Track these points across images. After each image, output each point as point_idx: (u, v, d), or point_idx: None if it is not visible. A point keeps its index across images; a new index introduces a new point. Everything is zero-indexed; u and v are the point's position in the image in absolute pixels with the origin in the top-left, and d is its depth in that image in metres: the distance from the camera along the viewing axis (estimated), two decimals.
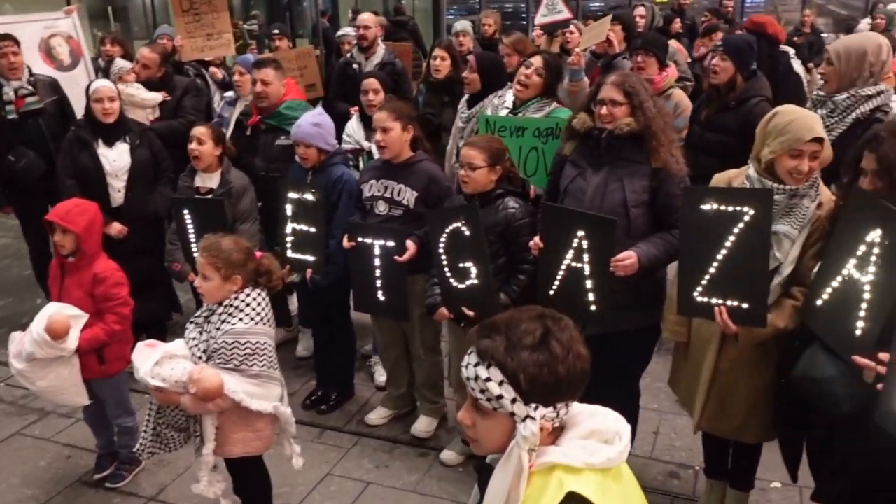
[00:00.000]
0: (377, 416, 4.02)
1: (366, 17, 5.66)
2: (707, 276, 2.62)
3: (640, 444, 3.71)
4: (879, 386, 2.04)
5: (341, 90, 5.56)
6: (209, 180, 4.03)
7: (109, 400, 3.49)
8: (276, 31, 6.65)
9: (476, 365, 1.40)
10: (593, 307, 2.98)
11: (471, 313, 3.23)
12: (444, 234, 3.20)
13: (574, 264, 2.97)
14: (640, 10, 6.16)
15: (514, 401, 1.37)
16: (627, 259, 2.89)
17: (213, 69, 6.11)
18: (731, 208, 2.50)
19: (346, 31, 7.21)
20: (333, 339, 4.08)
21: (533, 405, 1.37)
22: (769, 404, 2.77)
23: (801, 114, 2.61)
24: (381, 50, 5.62)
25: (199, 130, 3.96)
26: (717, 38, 6.43)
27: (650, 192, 2.99)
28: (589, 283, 2.96)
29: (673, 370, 3.22)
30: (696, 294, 2.67)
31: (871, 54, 3.32)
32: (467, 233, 3.12)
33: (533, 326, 1.41)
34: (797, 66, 5.11)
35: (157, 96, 4.84)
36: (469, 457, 3.64)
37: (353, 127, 4.46)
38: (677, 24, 8.41)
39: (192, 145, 3.94)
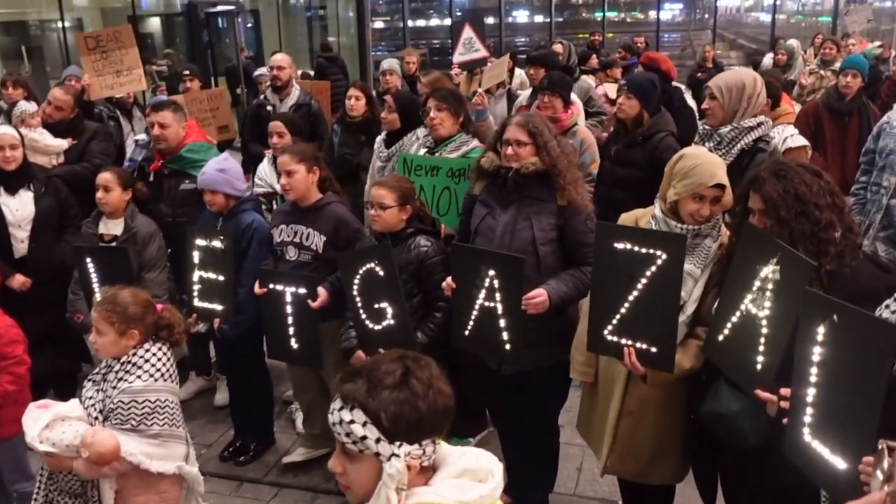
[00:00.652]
0: (298, 454, 3.90)
1: (279, 58, 5.61)
2: (618, 316, 2.61)
3: (564, 481, 3.69)
4: (785, 420, 2.06)
5: (256, 132, 5.47)
6: (114, 227, 3.88)
7: (6, 465, 3.27)
8: (187, 73, 6.53)
9: (340, 409, 1.43)
10: (508, 346, 2.97)
11: None
12: (358, 276, 3.15)
13: (486, 304, 2.96)
14: (558, 48, 6.30)
15: (378, 440, 1.41)
16: (538, 297, 2.90)
17: (123, 97, 5.97)
18: (643, 250, 2.49)
19: (262, 71, 7.15)
20: (249, 389, 3.96)
21: (397, 443, 1.41)
22: (676, 445, 2.78)
23: (706, 159, 2.66)
24: (295, 91, 5.57)
25: (105, 177, 3.82)
26: (613, 74, 6.69)
27: (558, 230, 3.02)
28: (502, 322, 2.95)
29: (580, 412, 3.19)
30: (606, 332, 2.66)
31: (748, 87, 3.47)
32: (381, 273, 3.08)
33: (393, 367, 1.45)
34: (690, 100, 5.32)
35: (63, 143, 4.66)
36: None
37: (265, 170, 4.39)
38: (594, 61, 8.66)
39: (99, 193, 3.80)
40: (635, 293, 2.54)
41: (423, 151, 3.88)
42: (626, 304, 2.58)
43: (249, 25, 15.28)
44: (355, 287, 3.17)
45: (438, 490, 1.43)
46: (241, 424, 4.08)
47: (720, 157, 3.43)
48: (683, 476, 2.89)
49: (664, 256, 2.45)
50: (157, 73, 9.31)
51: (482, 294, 2.95)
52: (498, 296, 2.92)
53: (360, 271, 3.13)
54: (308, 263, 3.48)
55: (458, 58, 6.46)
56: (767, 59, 9.15)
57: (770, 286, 2.21)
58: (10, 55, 12.12)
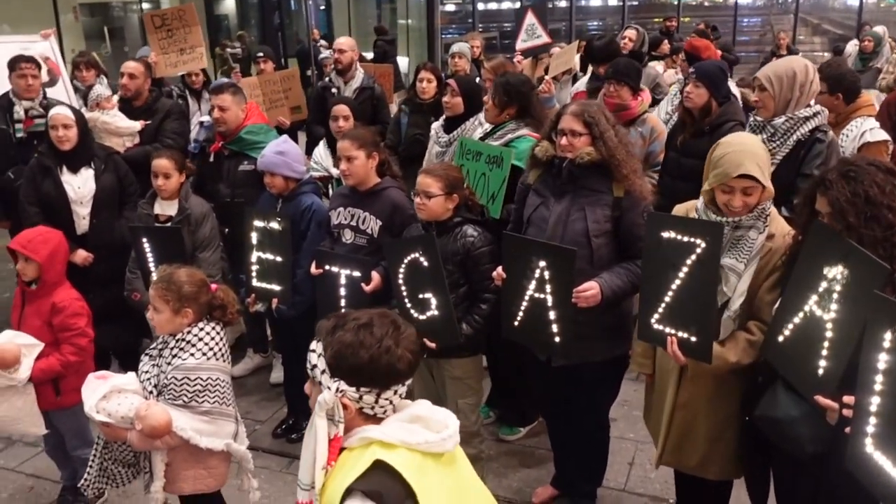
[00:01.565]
0: None
1: (342, 41, 5.63)
2: (663, 304, 2.58)
3: (615, 476, 3.62)
4: (847, 429, 1.95)
5: (320, 114, 5.49)
6: (168, 208, 3.96)
7: (67, 432, 3.42)
8: (261, 54, 6.63)
9: (315, 341, 1.63)
10: (557, 338, 2.92)
11: (432, 344, 3.15)
12: (403, 266, 3.13)
13: (536, 295, 2.91)
14: (630, 33, 6.13)
15: (322, 372, 1.59)
16: (589, 290, 2.84)
17: (193, 77, 6.12)
18: (685, 238, 2.46)
19: (327, 53, 7.21)
20: (303, 368, 3.99)
21: (335, 379, 1.57)
22: (731, 440, 2.69)
23: (737, 147, 2.54)
24: (359, 74, 5.58)
25: (163, 164, 3.87)
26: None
27: (613, 222, 2.93)
28: (552, 315, 2.90)
29: (645, 403, 3.14)
30: (653, 321, 2.63)
31: (799, 75, 3.31)
32: (425, 263, 3.06)
33: (361, 316, 1.61)
34: (734, 88, 5.08)
35: (135, 125, 4.79)
36: None
37: (321, 154, 4.42)
38: (665, 47, 8.40)
39: (159, 181, 3.88)
40: (678, 282, 2.51)
41: (478, 136, 3.83)
42: (670, 293, 2.55)
43: (322, 8, 15.44)
44: (400, 276, 3.16)
45: (385, 430, 1.56)
46: (295, 403, 4.15)
47: (773, 147, 3.31)
48: (741, 474, 2.79)
49: (702, 245, 2.41)
50: (231, 56, 9.48)
51: (532, 285, 2.90)
52: (548, 287, 2.87)
53: (406, 260, 3.11)
54: (363, 247, 3.50)
55: (520, 44, 6.38)
56: (851, 46, 8.71)
57: (838, 288, 2.10)
58: (93, 36, 12.60)
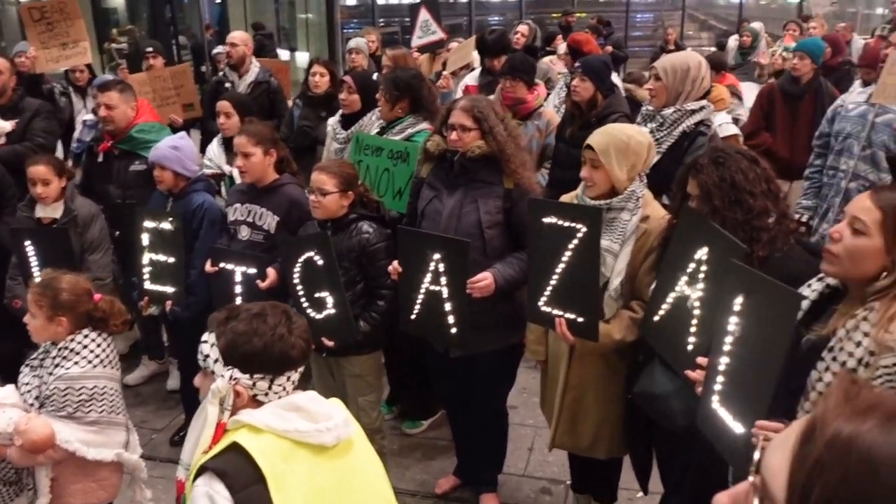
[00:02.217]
0: None
1: (234, 35, 5.50)
2: (550, 287, 2.69)
3: (514, 462, 3.73)
4: (699, 390, 2.09)
5: (214, 110, 5.37)
6: (52, 211, 3.75)
7: None
8: (150, 49, 6.39)
9: (207, 332, 1.68)
10: (453, 329, 2.98)
11: (330, 343, 3.16)
12: (298, 265, 3.11)
13: (432, 287, 2.96)
14: (522, 28, 6.26)
15: (216, 361, 1.65)
16: (483, 280, 2.91)
17: (77, 73, 5.84)
18: (566, 224, 2.58)
19: (220, 48, 7.02)
20: (196, 372, 3.90)
21: (229, 367, 1.63)
22: (619, 418, 2.82)
23: (602, 129, 2.76)
24: (254, 68, 5.47)
25: (40, 171, 3.65)
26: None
27: (504, 213, 3.01)
28: (447, 306, 2.95)
29: (541, 389, 3.25)
30: (540, 303, 2.73)
31: (693, 70, 3.48)
32: (320, 262, 3.05)
33: (253, 307, 1.67)
34: (617, 80, 5.33)
35: (4, 125, 4.52)
36: None
37: (214, 151, 4.33)
38: (559, 42, 8.62)
39: (38, 189, 3.66)
40: (562, 265, 2.62)
41: (375, 131, 3.84)
42: (556, 276, 2.66)
43: (218, 1, 14.99)
44: (296, 275, 3.14)
45: (256, 414, 1.60)
46: (192, 409, 4.03)
47: (659, 137, 3.48)
48: (628, 451, 2.92)
49: (583, 229, 2.53)
50: (117, 51, 9.08)
51: (428, 278, 2.95)
52: (443, 280, 2.93)
53: (300, 259, 3.09)
54: (260, 243, 3.45)
55: (415, 41, 6.42)
56: (732, 41, 9.15)
57: (703, 268, 2.24)
58: None
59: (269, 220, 3.42)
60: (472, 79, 5.63)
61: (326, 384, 3.42)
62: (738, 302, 1.92)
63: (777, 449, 0.71)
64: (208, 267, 3.38)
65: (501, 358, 3.20)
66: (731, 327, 1.92)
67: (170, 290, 3.57)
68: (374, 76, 6.00)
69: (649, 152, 2.73)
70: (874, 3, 16.49)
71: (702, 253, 2.25)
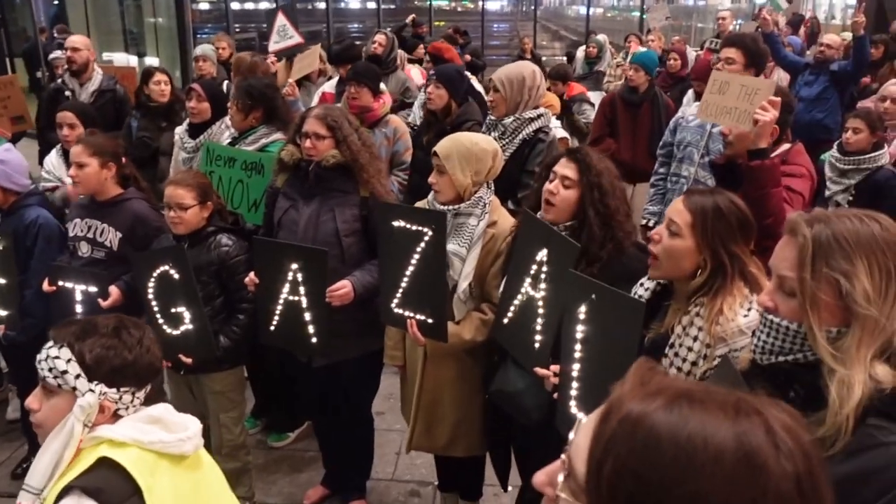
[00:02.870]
0: None
1: (75, 39, 5.18)
2: (401, 289, 2.76)
3: (384, 466, 3.75)
4: (555, 395, 2.21)
5: (53, 119, 5.02)
6: None
7: None
8: None
9: (49, 347, 1.63)
10: (314, 339, 2.97)
11: (188, 360, 3.06)
12: (153, 279, 2.99)
13: (291, 298, 2.95)
14: (380, 38, 6.28)
15: (77, 376, 1.60)
16: (342, 289, 2.92)
17: None
18: (414, 227, 2.65)
19: (58, 53, 6.59)
20: None
21: (95, 382, 1.61)
22: (476, 418, 2.92)
23: (450, 137, 2.87)
24: (97, 76, 5.18)
25: None
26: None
27: (362, 221, 3.04)
28: (307, 316, 2.95)
29: (401, 394, 3.30)
30: (393, 305, 2.79)
31: (528, 79, 3.68)
32: (176, 276, 2.95)
33: (108, 321, 1.67)
34: (478, 85, 5.56)
35: None
36: None
37: (53, 162, 4.06)
38: (420, 51, 8.75)
39: None
40: (411, 268, 2.69)
41: (226, 141, 3.75)
42: (406, 278, 2.72)
43: (56, 2, 14.03)
44: (150, 290, 3.02)
45: (116, 428, 1.60)
46: (34, 438, 3.75)
47: (503, 145, 3.64)
48: (487, 448, 3.03)
49: (429, 232, 2.60)
50: None
51: (286, 288, 2.94)
52: (302, 289, 2.92)
53: (155, 274, 2.98)
54: (102, 261, 3.26)
55: (273, 46, 6.31)
56: (580, 52, 9.68)
57: (545, 269, 2.37)
58: None
59: (111, 237, 3.25)
60: (329, 87, 5.61)
61: (185, 402, 3.29)
62: (581, 310, 2.05)
63: (583, 429, 0.79)
64: (46, 286, 3.17)
65: (364, 364, 3.22)
66: (578, 335, 2.05)
67: (2, 312, 3.33)
68: (225, 84, 5.88)
69: (495, 159, 2.84)
70: (707, 17, 17.90)
71: (542, 254, 2.39)
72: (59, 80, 5.27)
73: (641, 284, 2.16)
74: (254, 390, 4.12)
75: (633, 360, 1.93)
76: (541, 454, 2.56)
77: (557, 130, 4.66)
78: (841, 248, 1.35)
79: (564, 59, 11.77)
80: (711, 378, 1.77)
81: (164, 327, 3.05)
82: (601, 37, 9.33)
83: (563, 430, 2.15)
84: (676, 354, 1.97)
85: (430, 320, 2.72)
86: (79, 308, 3.17)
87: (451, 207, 2.77)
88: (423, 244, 2.64)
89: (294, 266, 2.89)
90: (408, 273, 2.72)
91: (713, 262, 1.96)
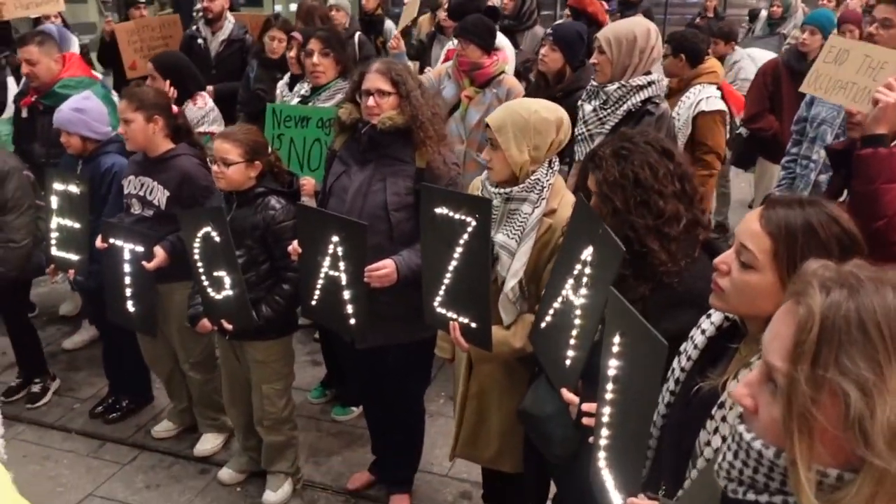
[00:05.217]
0: (163, 428, 3.68)
1: None
2: (443, 286, 2.39)
3: (439, 461, 3.44)
4: (591, 439, 1.76)
5: None
6: None
7: None
8: (142, 1, 6.15)
9: None
10: (353, 320, 2.69)
11: (229, 326, 2.91)
12: (197, 239, 2.85)
13: (331, 272, 2.68)
14: None
15: None
16: (383, 269, 2.60)
17: (50, 21, 5.61)
18: (457, 216, 2.25)
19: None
20: (118, 342, 3.69)
21: None
22: (524, 432, 2.51)
23: (506, 104, 2.48)
24: (228, 24, 5.18)
25: None
26: None
27: (415, 195, 2.68)
28: (346, 294, 2.67)
29: (453, 390, 2.96)
30: (436, 303, 2.44)
31: (640, 39, 3.07)
32: (217, 238, 2.79)
33: None
34: None
35: None
36: (250, 474, 3.35)
37: None
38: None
39: None
40: (454, 262, 2.31)
41: (296, 100, 3.52)
42: (449, 274, 2.35)
43: None
44: (196, 251, 2.88)
45: None
46: (115, 380, 3.86)
47: (604, 116, 3.12)
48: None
49: (473, 222, 2.20)
50: (102, 4, 8.86)
51: (327, 262, 2.67)
52: (342, 265, 2.64)
53: (199, 234, 2.84)
54: (151, 220, 3.16)
55: None
56: (764, 11, 8.53)
57: (588, 271, 1.92)
58: None
59: (160, 195, 3.14)
60: (454, 43, 5.24)
61: (231, 367, 3.18)
62: (615, 342, 1.58)
63: None
64: (99, 242, 3.13)
65: (411, 353, 2.89)
66: (611, 371, 1.58)
67: (74, 257, 3.36)
68: (357, 35, 5.69)
69: (559, 131, 2.36)
70: None
71: (587, 253, 1.92)
72: (194, 28, 5.32)
73: (709, 316, 1.62)
74: (325, 359, 3.96)
75: (650, 417, 1.50)
76: (564, 490, 2.16)
77: (715, 101, 4.00)
78: (867, 339, 0.83)
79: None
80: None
81: (209, 290, 2.92)
82: None
83: (594, 484, 1.71)
84: (724, 419, 1.43)
85: (473, 324, 2.34)
86: (126, 267, 3.13)
87: (502, 191, 2.34)
88: (466, 235, 2.24)
89: (335, 239, 2.61)
90: (451, 268, 2.33)
91: None
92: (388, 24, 6.83)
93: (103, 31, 6.14)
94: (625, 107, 3.11)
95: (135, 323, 3.25)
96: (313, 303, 2.78)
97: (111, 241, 3.09)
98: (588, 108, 3.25)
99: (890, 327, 0.83)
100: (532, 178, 2.31)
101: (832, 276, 0.90)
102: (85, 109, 3.35)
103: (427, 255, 2.43)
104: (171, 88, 3.73)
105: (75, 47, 4.84)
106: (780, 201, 1.46)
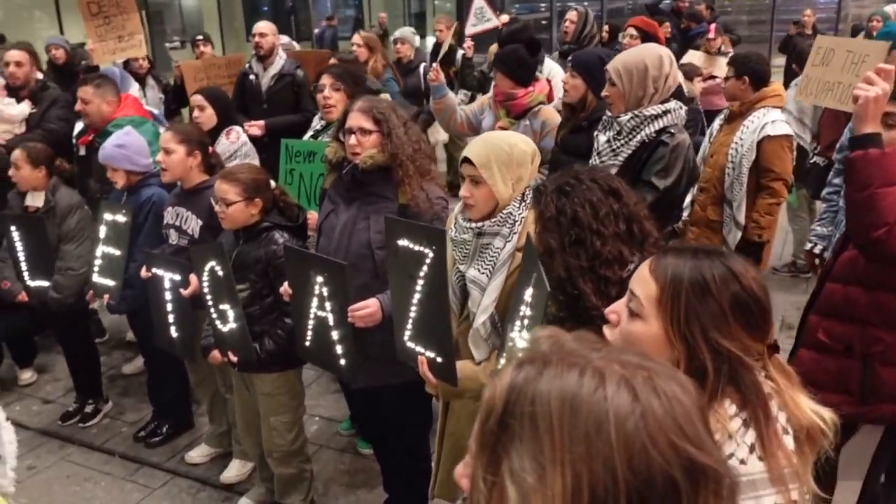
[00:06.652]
0: (198, 453, 3.80)
1: (261, 25, 5.40)
2: (410, 320, 2.35)
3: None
4: None
5: (240, 102, 5.35)
6: (36, 199, 3.93)
7: None
8: (200, 37, 6.51)
9: None
10: (342, 360, 2.69)
11: (234, 359, 2.98)
12: (205, 273, 2.95)
13: (319, 313, 2.70)
14: (571, 15, 5.69)
15: None
16: (366, 308, 2.58)
17: (139, 63, 6.06)
18: (416, 247, 2.22)
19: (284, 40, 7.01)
20: (161, 367, 3.86)
21: None
22: None
23: (482, 137, 2.42)
24: (279, 60, 5.36)
25: (15, 155, 3.84)
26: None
27: None
28: (334, 335, 2.67)
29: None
30: (406, 338, 2.40)
31: (652, 68, 2.88)
32: (220, 272, 2.87)
33: None
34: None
35: (25, 109, 4.72)
36: None
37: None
38: (666, 28, 7.83)
39: (11, 170, 3.85)
40: (417, 295, 2.27)
41: (308, 135, 3.58)
42: (413, 308, 2.31)
43: None
44: (205, 284, 2.98)
45: None
46: (158, 405, 4.03)
47: (617, 147, 2.98)
48: None
49: (430, 254, 2.17)
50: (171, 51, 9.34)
51: (314, 302, 2.69)
52: (328, 305, 2.65)
53: (206, 268, 2.93)
54: (186, 248, 3.30)
55: (470, 29, 6.03)
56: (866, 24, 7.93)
57: (528, 312, 1.86)
58: None
59: (194, 225, 3.28)
60: None
61: (243, 398, 3.25)
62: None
63: None
64: (143, 272, 3.30)
65: (405, 394, 2.83)
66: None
67: (111, 283, 3.57)
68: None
69: (534, 161, 2.30)
70: None
71: (528, 294, 1.86)
72: (247, 65, 5.56)
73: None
74: (343, 391, 3.97)
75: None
76: None
77: (779, 125, 3.72)
78: (535, 434, 0.73)
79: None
80: None
81: (217, 322, 3.01)
82: (890, 7, 7.49)
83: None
84: None
85: (438, 358, 2.29)
86: (167, 295, 3.26)
87: (473, 225, 2.28)
88: (425, 268, 2.21)
89: (319, 279, 2.62)
90: (414, 301, 2.30)
91: (689, 360, 1.28)
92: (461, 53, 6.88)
93: (175, 77, 6.49)
94: (638, 137, 2.95)
95: (178, 349, 3.38)
96: (307, 343, 2.80)
97: (154, 270, 3.24)
98: (602, 139, 3.11)
99: (562, 421, 0.72)
100: (504, 212, 2.24)
101: (534, 351, 0.80)
102: (125, 144, 3.56)
103: (394, 288, 2.40)
104: (217, 116, 3.93)
105: (133, 90, 5.17)
106: (673, 249, 1.35)
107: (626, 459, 0.68)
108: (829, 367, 2.26)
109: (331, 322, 2.66)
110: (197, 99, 3.92)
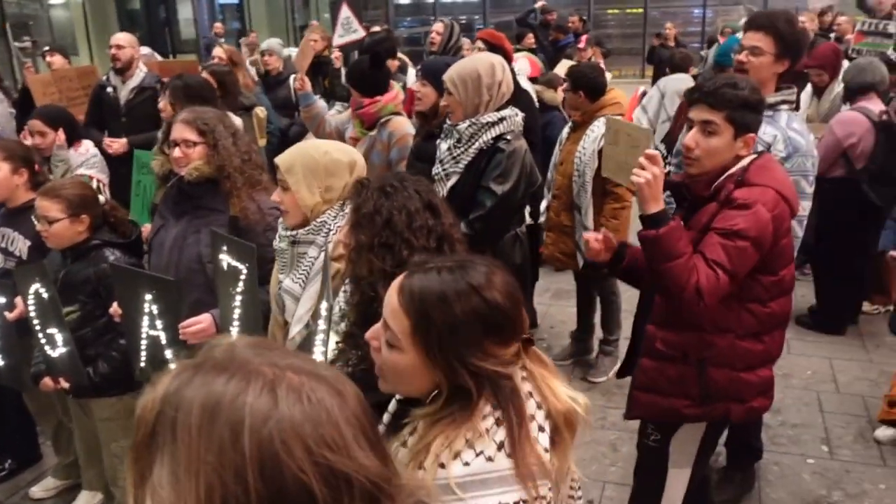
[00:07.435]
0: (42, 488, 3.57)
1: (120, 37, 5.18)
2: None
3: None
4: None
5: (96, 116, 5.12)
6: None
7: None
8: (47, 48, 6.23)
9: None
10: None
11: (67, 385, 2.82)
12: (30, 296, 2.78)
13: (151, 332, 2.58)
14: (437, 27, 5.76)
15: None
16: (197, 324, 2.50)
17: None
18: (234, 262, 2.20)
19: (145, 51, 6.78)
20: (3, 396, 3.61)
21: None
22: None
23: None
24: (139, 73, 5.16)
25: None
26: None
27: None
28: (168, 354, 2.57)
29: None
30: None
31: (485, 76, 2.99)
32: (45, 294, 2.72)
33: None
34: (525, 83, 4.84)
35: None
36: None
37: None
38: (529, 39, 8.04)
39: None
40: (238, 310, 2.30)
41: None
42: (236, 322, 2.32)
43: None
44: (31, 308, 2.81)
45: None
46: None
47: (458, 154, 3.04)
48: None
49: (244, 270, 2.23)
50: (20, 50, 8.94)
51: (145, 321, 2.57)
52: (159, 323, 2.54)
53: (31, 291, 2.76)
54: (12, 271, 3.12)
55: (337, 40, 6.01)
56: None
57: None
58: None
59: (21, 245, 3.09)
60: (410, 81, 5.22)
61: (82, 425, 3.10)
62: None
63: None
64: None
65: None
66: None
67: None
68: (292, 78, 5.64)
69: (353, 172, 2.28)
70: None
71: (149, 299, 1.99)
72: (105, 77, 5.32)
73: None
74: None
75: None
76: None
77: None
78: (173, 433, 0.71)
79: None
80: None
81: (46, 347, 2.84)
82: (743, 21, 7.94)
83: None
84: None
85: None
86: None
87: (288, 233, 2.26)
88: (241, 284, 2.18)
89: (148, 297, 2.52)
90: (235, 316, 2.28)
91: (451, 382, 1.26)
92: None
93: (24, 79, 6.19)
94: (476, 144, 3.02)
95: (4, 377, 3.15)
96: (143, 364, 2.68)
97: None
98: (444, 146, 3.17)
99: (200, 429, 0.69)
100: (318, 220, 2.22)
101: (202, 357, 0.77)
102: None
103: (221, 302, 2.36)
104: (63, 134, 3.73)
105: None
106: (419, 269, 1.31)
107: (258, 469, 0.66)
108: (670, 373, 2.35)
109: (164, 341, 2.56)
110: (35, 125, 3.71)
